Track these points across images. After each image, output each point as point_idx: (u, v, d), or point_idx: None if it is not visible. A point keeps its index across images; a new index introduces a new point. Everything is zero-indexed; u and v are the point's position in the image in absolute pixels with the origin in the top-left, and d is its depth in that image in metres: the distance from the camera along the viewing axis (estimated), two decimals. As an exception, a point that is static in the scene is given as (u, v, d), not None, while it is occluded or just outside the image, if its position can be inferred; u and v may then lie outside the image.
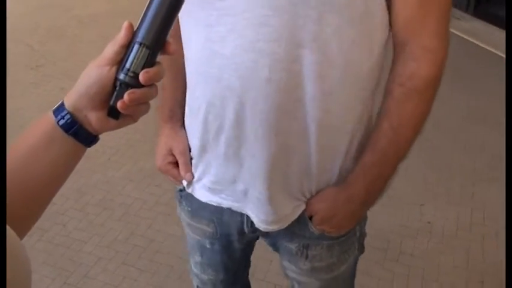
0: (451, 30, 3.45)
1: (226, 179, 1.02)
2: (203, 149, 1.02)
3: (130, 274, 2.10)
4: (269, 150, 0.93)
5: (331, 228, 1.03)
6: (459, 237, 2.23)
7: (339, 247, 1.09)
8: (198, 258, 1.27)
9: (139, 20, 0.63)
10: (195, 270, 1.31)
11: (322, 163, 0.97)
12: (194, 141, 1.05)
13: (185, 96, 1.05)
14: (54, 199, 0.67)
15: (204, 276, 1.30)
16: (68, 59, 3.78)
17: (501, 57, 3.64)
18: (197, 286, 1.35)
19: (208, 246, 1.20)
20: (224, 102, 0.91)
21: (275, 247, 1.19)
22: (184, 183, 1.11)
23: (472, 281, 2.02)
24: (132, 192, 2.53)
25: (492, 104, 3.13)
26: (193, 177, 1.08)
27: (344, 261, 1.12)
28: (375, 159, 0.96)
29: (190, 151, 1.08)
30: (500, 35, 3.91)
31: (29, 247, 0.49)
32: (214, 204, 1.07)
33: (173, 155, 1.11)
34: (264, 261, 2.08)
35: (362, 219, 1.14)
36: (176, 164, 1.11)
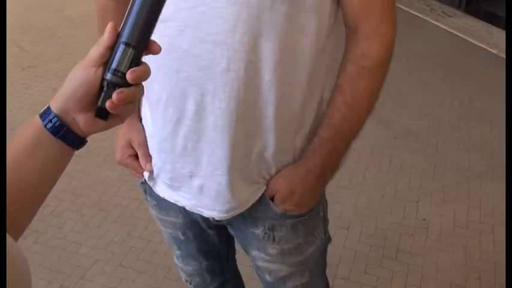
0: (443, 27, 3.47)
1: (183, 174, 1.03)
2: (161, 145, 1.03)
3: (127, 276, 2.08)
4: (229, 139, 0.96)
5: (292, 206, 1.06)
6: (456, 234, 2.23)
7: (303, 226, 1.11)
8: (177, 251, 1.28)
9: (123, 21, 0.64)
10: (179, 264, 1.33)
11: (279, 145, 1.01)
12: (152, 137, 1.06)
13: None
14: (49, 201, 0.67)
15: (188, 268, 1.31)
16: (59, 60, 3.75)
17: (494, 54, 3.65)
18: (185, 280, 1.36)
19: (182, 237, 1.21)
20: (184, 94, 0.93)
21: (238, 239, 1.20)
22: (146, 175, 1.11)
23: (470, 278, 2.03)
24: (128, 193, 2.51)
25: (486, 100, 3.14)
26: (152, 168, 1.08)
27: (311, 242, 1.15)
28: (329, 134, 1.01)
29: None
30: (492, 31, 3.92)
31: (24, 250, 0.49)
32: (172, 201, 1.09)
33: (132, 148, 1.12)
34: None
35: (322, 201, 1.16)
36: (136, 156, 1.12)
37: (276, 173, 1.04)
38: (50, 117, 0.63)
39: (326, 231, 1.19)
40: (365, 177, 2.55)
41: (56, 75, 3.51)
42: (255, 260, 1.19)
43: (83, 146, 0.67)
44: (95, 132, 0.67)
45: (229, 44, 0.87)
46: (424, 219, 2.31)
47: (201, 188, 1.03)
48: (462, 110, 3.07)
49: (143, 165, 1.09)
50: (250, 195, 1.05)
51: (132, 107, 0.66)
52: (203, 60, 0.89)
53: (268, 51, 0.89)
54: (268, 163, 1.02)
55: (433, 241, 2.20)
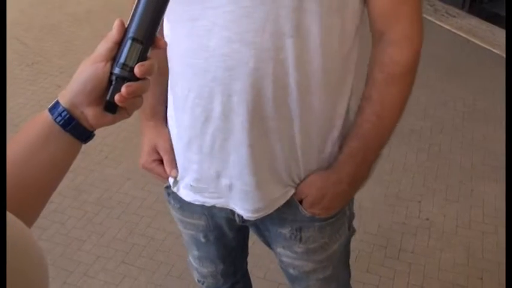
0: (447, 27, 3.45)
1: (210, 175, 1.03)
2: (188, 144, 1.02)
3: (130, 273, 2.08)
4: (256, 138, 0.95)
5: (320, 210, 1.06)
6: (459, 234, 2.23)
7: (330, 227, 1.12)
8: (195, 252, 1.29)
9: (130, 16, 0.66)
10: (194, 264, 1.33)
11: (307, 147, 1.00)
12: (178, 137, 1.06)
13: (166, 93, 1.07)
14: (52, 197, 0.68)
15: (204, 270, 1.32)
16: (63, 57, 3.75)
17: (497, 54, 3.64)
18: (198, 280, 1.36)
19: (203, 240, 1.21)
20: (212, 94, 0.92)
21: (264, 237, 1.21)
22: (171, 180, 1.11)
23: (472, 278, 2.02)
24: (131, 190, 2.52)
25: (489, 100, 3.13)
26: (177, 174, 1.09)
27: (336, 240, 1.15)
28: (359, 144, 1.00)
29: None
30: (496, 32, 3.91)
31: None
32: (199, 203, 1.09)
33: (157, 153, 1.12)
34: (264, 259, 2.08)
35: (350, 201, 1.17)
36: (160, 161, 1.12)
37: (305, 177, 1.04)
38: (60, 110, 0.64)
39: (350, 226, 1.19)
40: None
41: (60, 72, 3.51)
42: (279, 256, 1.19)
43: (91, 139, 0.68)
44: (103, 126, 0.68)
45: (257, 43, 0.86)
46: (427, 219, 2.31)
47: (229, 188, 1.03)
48: (465, 110, 3.07)
49: (168, 171, 1.09)
50: (279, 198, 1.05)
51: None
52: (231, 59, 0.88)
53: (296, 50, 0.88)
54: (297, 166, 1.02)
55: (435, 241, 2.20)
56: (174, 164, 1.09)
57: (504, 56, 3.59)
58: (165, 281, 2.04)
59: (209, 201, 1.08)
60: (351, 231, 1.21)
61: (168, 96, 1.07)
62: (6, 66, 0.76)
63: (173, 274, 2.07)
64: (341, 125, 1.03)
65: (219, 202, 1.07)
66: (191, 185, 1.07)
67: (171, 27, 0.96)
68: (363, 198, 2.39)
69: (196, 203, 1.09)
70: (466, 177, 2.55)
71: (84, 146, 0.68)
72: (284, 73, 0.90)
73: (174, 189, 1.11)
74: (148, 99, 1.12)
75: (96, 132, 0.68)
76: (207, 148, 0.99)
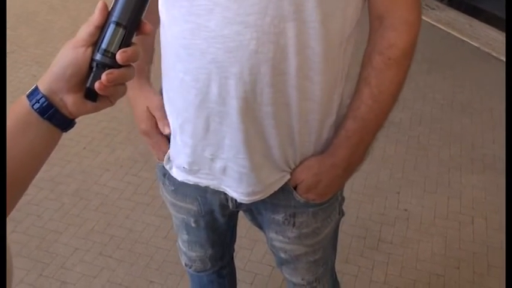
0: (427, 19, 3.48)
1: (204, 157, 1.02)
2: (182, 126, 1.02)
3: (108, 265, 2.07)
4: (251, 123, 0.95)
5: (316, 196, 1.07)
6: (436, 225, 2.26)
7: (323, 212, 1.13)
8: (185, 236, 1.29)
9: (114, 0, 0.63)
10: (183, 248, 1.34)
11: (304, 132, 1.00)
12: (172, 119, 1.05)
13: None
14: (28, 189, 0.66)
15: (192, 254, 1.33)
16: (39, 46, 3.68)
17: (476, 47, 3.68)
18: (185, 263, 1.37)
19: (193, 225, 1.22)
20: (209, 77, 0.91)
21: (257, 221, 1.22)
22: (166, 158, 1.10)
23: (449, 267, 2.05)
24: (109, 182, 2.49)
25: (468, 93, 3.17)
26: (170, 130, 1.07)
27: (327, 224, 1.16)
28: (356, 126, 1.00)
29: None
30: (475, 25, 3.95)
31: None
32: (191, 183, 1.09)
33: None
34: (244, 250, 2.08)
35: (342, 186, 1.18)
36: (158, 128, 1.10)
37: (301, 161, 1.04)
38: (38, 97, 0.62)
39: (340, 210, 1.21)
40: (347, 167, 2.56)
41: (36, 62, 3.45)
42: (271, 240, 1.20)
43: (72, 127, 0.66)
44: (84, 114, 0.66)
45: (258, 26, 0.86)
46: (405, 210, 2.34)
47: (223, 170, 1.02)
48: (444, 102, 3.10)
49: (161, 128, 1.08)
50: (275, 182, 1.05)
51: (123, 89, 0.65)
52: (232, 41, 0.87)
53: (297, 35, 0.88)
54: (293, 150, 1.02)
55: (413, 231, 2.22)
56: (166, 121, 1.07)
57: (482, 48, 3.63)
58: (144, 272, 2.03)
59: (203, 182, 1.07)
60: (341, 215, 1.22)
61: (163, 79, 1.05)
62: (6, 66, 0.76)
63: (152, 266, 2.06)
64: (336, 110, 1.03)
65: (212, 184, 1.07)
66: (184, 167, 1.06)
67: (166, 8, 0.94)
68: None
69: (190, 182, 1.08)
70: (444, 168, 2.58)
71: (61, 137, 0.66)
72: (283, 58, 0.89)
73: (167, 167, 1.10)
74: None
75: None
76: (201, 132, 0.98)
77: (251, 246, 2.10)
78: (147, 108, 1.10)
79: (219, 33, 0.87)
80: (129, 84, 1.10)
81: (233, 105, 0.92)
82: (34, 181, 0.66)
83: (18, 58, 3.51)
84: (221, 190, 1.08)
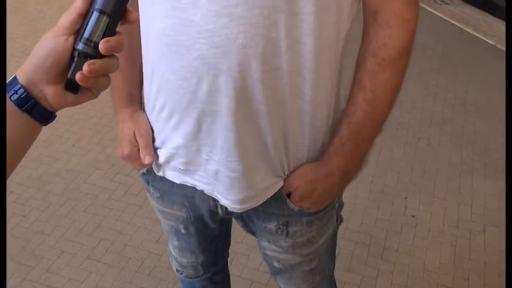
0: (440, 15, 3.46)
1: (200, 158, 1.02)
2: (172, 128, 1.01)
3: (96, 269, 2.07)
4: (243, 122, 0.94)
5: (310, 205, 1.06)
6: (446, 232, 2.25)
7: (319, 221, 1.12)
8: (175, 242, 1.30)
9: None
10: (174, 254, 1.35)
11: (297, 135, 1.00)
12: (158, 121, 1.05)
13: (142, 78, 1.06)
14: (13, 188, 0.66)
15: (184, 260, 1.33)
16: (28, 37, 3.69)
17: (491, 45, 3.68)
18: (176, 269, 1.37)
19: (183, 231, 1.22)
20: (196, 74, 0.91)
21: (249, 228, 1.22)
22: (154, 165, 1.10)
23: (458, 278, 2.05)
24: (99, 182, 2.50)
25: (482, 93, 3.17)
26: (153, 160, 1.08)
27: (323, 233, 1.16)
28: (350, 132, 1.00)
29: (153, 132, 1.09)
30: (490, 21, 3.95)
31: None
32: (189, 185, 1.08)
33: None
34: (241, 256, 2.08)
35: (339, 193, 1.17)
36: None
37: (294, 168, 1.03)
38: (16, 88, 0.62)
39: (338, 217, 1.20)
40: (352, 170, 2.56)
41: (25, 53, 3.46)
42: (263, 249, 1.20)
43: (52, 121, 0.66)
44: (65, 107, 0.65)
45: (246, 18, 0.85)
46: (413, 216, 2.33)
47: (216, 174, 1.02)
48: (456, 103, 3.10)
49: (142, 157, 1.08)
50: (267, 188, 1.04)
51: (106, 80, 0.65)
52: (218, 35, 0.86)
53: (288, 28, 0.87)
54: (286, 155, 1.01)
55: (421, 239, 2.22)
56: (149, 149, 1.08)
57: (498, 46, 3.63)
58: (134, 278, 2.03)
59: (198, 185, 1.07)
60: (339, 221, 1.21)
61: (144, 80, 1.05)
62: (6, 66, 0.77)
63: (143, 271, 2.06)
64: (332, 114, 1.03)
65: (207, 188, 1.07)
66: (180, 168, 1.06)
67: (149, 2, 0.94)
68: (345, 194, 2.40)
69: (188, 184, 1.08)
70: (454, 173, 2.58)
71: (49, 133, 0.66)
72: (274, 53, 0.89)
73: (159, 174, 1.10)
74: (125, 84, 1.11)
75: (63, 118, 0.67)
76: (192, 132, 0.98)
77: (248, 252, 2.10)
78: (134, 133, 1.10)
79: (204, 28, 0.86)
80: (120, 106, 1.12)
81: (224, 103, 0.92)
82: (20, 179, 0.66)
83: (7, 49, 3.51)
84: (213, 197, 1.08)
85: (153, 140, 1.08)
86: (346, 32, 0.95)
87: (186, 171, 1.06)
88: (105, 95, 0.71)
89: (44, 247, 2.15)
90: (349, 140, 1.00)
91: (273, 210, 1.09)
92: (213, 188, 1.05)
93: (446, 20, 3.96)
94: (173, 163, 1.07)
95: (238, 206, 1.05)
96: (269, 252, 1.19)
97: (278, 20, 0.86)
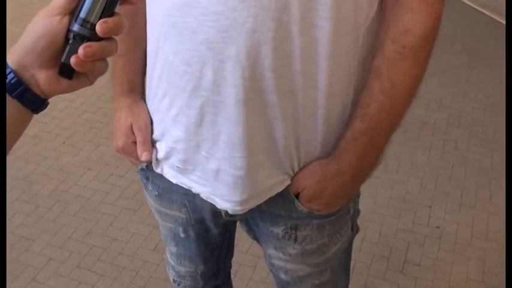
0: (469, 3, 3.44)
1: (199, 155, 1.02)
2: (173, 119, 1.02)
3: (86, 279, 2.08)
4: (252, 114, 0.95)
5: (320, 206, 1.06)
6: (474, 245, 2.24)
7: (331, 226, 1.12)
8: (173, 248, 1.30)
9: None
10: (171, 262, 1.35)
11: (310, 128, 1.00)
12: (158, 111, 1.05)
13: (145, 65, 1.06)
14: None
15: (181, 269, 1.33)
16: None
17: (527, 37, 3.66)
18: (173, 279, 1.38)
19: (182, 235, 1.22)
20: (201, 60, 0.91)
21: (254, 233, 1.21)
22: (154, 159, 1.11)
23: (486, 297, 2.05)
24: (91, 183, 2.51)
25: (515, 92, 3.15)
26: (151, 157, 1.09)
27: (336, 241, 1.15)
28: (365, 126, 0.99)
29: (152, 125, 1.09)
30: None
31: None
32: (185, 187, 1.09)
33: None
34: (246, 268, 2.08)
35: (355, 195, 1.17)
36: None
37: (303, 166, 1.04)
38: (6, 72, 0.62)
39: (354, 226, 1.20)
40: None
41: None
42: (269, 258, 1.20)
43: (44, 109, 0.66)
44: (58, 94, 0.66)
45: (257, 0, 0.85)
46: (437, 227, 2.32)
47: (216, 173, 1.02)
48: (487, 102, 3.09)
49: (139, 154, 1.09)
50: (274, 185, 1.04)
51: (103, 65, 0.65)
52: (226, 18, 0.87)
53: (303, 11, 0.87)
54: (298, 149, 1.01)
55: (446, 252, 2.21)
56: (147, 146, 1.09)
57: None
58: (128, 290, 2.04)
59: (194, 187, 1.07)
60: (355, 230, 1.21)
61: (148, 64, 1.06)
62: (6, 64, 0.78)
63: (137, 282, 2.06)
64: (349, 106, 1.02)
65: (203, 191, 1.07)
66: (177, 167, 1.07)
67: None
68: (363, 201, 2.40)
69: (184, 186, 1.09)
70: (484, 179, 2.57)
71: (37, 129, 0.67)
72: (286, 38, 0.89)
73: (158, 171, 1.11)
74: (125, 71, 1.12)
75: (52, 113, 0.67)
76: (194, 124, 0.98)
77: (254, 264, 2.10)
78: (131, 125, 1.11)
79: (211, 10, 0.87)
80: (119, 95, 1.12)
81: (230, 93, 0.92)
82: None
83: (-9, 36, 3.54)
84: (210, 201, 1.08)
85: (152, 132, 1.09)
86: (366, 17, 0.95)
87: (183, 171, 1.07)
88: (98, 87, 0.71)
89: (30, 254, 2.16)
90: (362, 135, 0.99)
91: (280, 212, 1.09)
92: (212, 190, 1.05)
93: (476, 9, 3.94)
94: (171, 159, 1.07)
95: (240, 208, 1.05)
96: (276, 262, 1.19)
97: (291, 2, 0.86)
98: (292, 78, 0.93)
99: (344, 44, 0.94)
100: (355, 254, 2.14)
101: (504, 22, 3.84)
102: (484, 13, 3.92)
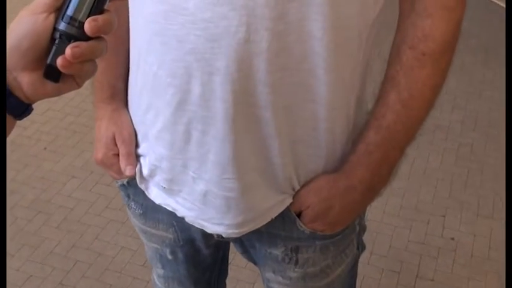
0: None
1: (184, 174, 1.01)
2: (156, 135, 1.01)
3: (70, 298, 2.07)
4: (244, 132, 0.94)
5: (324, 226, 1.05)
6: (491, 258, 2.24)
7: (335, 247, 1.11)
8: (160, 270, 1.29)
9: None
10: (158, 284, 1.34)
11: (312, 144, 0.99)
12: (142, 123, 1.05)
13: (128, 66, 1.06)
14: None
15: None
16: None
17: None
18: None
19: (169, 257, 1.21)
20: (188, 71, 0.90)
21: (249, 256, 1.21)
22: (138, 175, 1.10)
23: (506, 315, 2.04)
24: (75, 192, 2.50)
25: (535, 91, 3.15)
26: (135, 172, 1.08)
27: (341, 262, 1.15)
28: (380, 138, 0.99)
29: (136, 137, 1.09)
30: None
31: None
32: (170, 209, 1.08)
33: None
34: (244, 284, 2.08)
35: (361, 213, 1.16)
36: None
37: (308, 183, 1.03)
38: (6, 72, 0.62)
39: (359, 244, 1.19)
40: (379, 182, 2.56)
41: None
42: (267, 282, 1.19)
43: (28, 114, 0.66)
44: (43, 98, 0.66)
45: (250, 7, 0.84)
46: (452, 239, 2.32)
47: (204, 196, 1.01)
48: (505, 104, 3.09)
49: (123, 168, 1.08)
50: (273, 207, 1.03)
51: (92, 67, 0.65)
52: (215, 27, 0.86)
53: (300, 20, 0.87)
54: (296, 168, 1.01)
55: (461, 266, 2.21)
56: (131, 159, 1.08)
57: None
58: (115, 309, 2.04)
59: (179, 211, 1.07)
60: (360, 249, 1.20)
61: (130, 74, 1.06)
62: (6, 64, 0.79)
63: (126, 301, 2.06)
64: (353, 118, 1.02)
65: (188, 216, 1.06)
66: (163, 187, 1.06)
67: None
68: (371, 211, 2.40)
69: (169, 208, 1.08)
70: (502, 187, 2.56)
71: (15, 133, 0.66)
72: (282, 49, 0.88)
73: (142, 187, 1.10)
74: (107, 75, 1.11)
75: (33, 115, 0.67)
76: (180, 142, 0.97)
77: (253, 280, 2.10)
78: (113, 135, 1.10)
79: (199, 17, 0.86)
80: (100, 102, 1.12)
81: (219, 109, 0.91)
82: (-20, 188, 0.66)
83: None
84: (197, 225, 1.07)
85: (137, 145, 1.08)
86: (372, 20, 0.95)
87: (168, 191, 1.06)
88: (82, 88, 0.71)
89: (8, 270, 2.15)
90: (377, 148, 0.99)
91: (280, 233, 1.07)
92: (198, 214, 1.05)
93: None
94: (156, 178, 1.07)
95: (236, 231, 1.04)
96: (274, 286, 1.18)
97: (287, 10, 0.85)
98: (287, 92, 0.92)
99: (346, 53, 0.94)
100: (363, 269, 2.14)
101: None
102: (501, 6, 3.93)
